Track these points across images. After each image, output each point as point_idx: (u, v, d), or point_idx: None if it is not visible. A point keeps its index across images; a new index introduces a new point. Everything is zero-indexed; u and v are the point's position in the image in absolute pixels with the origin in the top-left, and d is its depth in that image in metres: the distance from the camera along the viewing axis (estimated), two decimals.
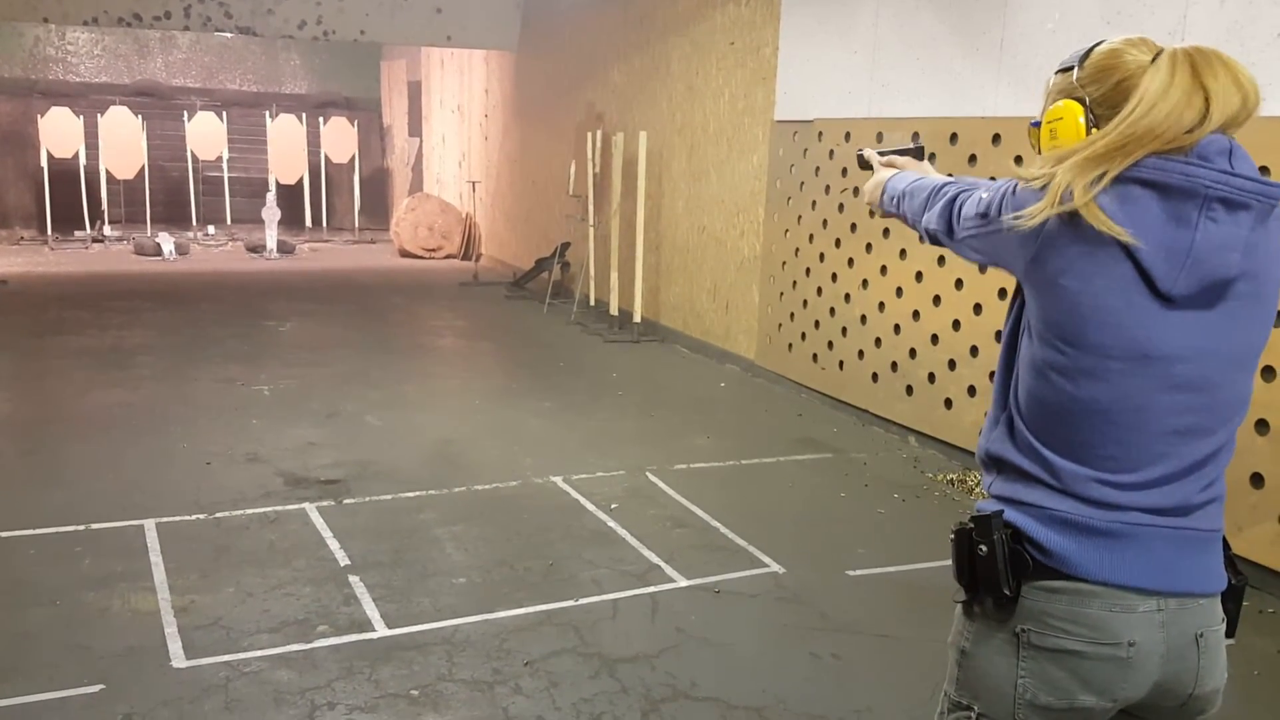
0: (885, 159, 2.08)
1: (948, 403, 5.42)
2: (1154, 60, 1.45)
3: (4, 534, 3.95)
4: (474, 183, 12.70)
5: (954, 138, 5.35)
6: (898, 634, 3.53)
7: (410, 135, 15.70)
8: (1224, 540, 1.55)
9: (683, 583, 3.84)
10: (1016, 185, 1.49)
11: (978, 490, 4.91)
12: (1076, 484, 1.47)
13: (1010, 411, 1.55)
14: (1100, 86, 1.49)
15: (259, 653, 3.20)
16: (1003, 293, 5.04)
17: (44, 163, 13.21)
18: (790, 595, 3.77)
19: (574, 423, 5.95)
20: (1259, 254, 1.42)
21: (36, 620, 3.34)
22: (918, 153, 2.14)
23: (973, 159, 5.23)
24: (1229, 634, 1.56)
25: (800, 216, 6.60)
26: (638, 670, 3.21)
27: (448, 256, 13.33)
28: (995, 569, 1.47)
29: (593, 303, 9.13)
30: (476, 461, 5.15)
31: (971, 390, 5.25)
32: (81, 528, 4.11)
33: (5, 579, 3.58)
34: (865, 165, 2.17)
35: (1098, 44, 1.53)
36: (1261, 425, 3.91)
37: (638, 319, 8.36)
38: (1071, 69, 1.54)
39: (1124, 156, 1.39)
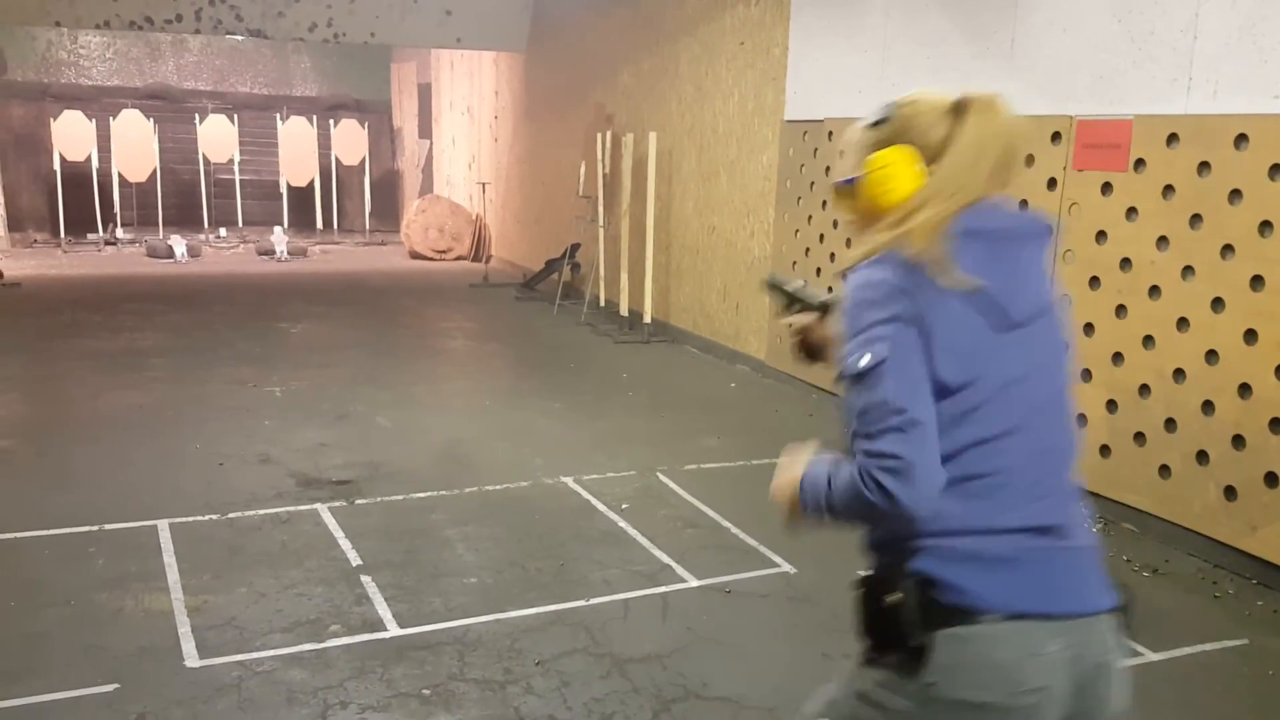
0: (794, 306, 1.89)
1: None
2: (960, 110, 1.54)
3: (18, 535, 3.97)
4: (484, 184, 12.72)
5: None
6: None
7: (420, 137, 15.74)
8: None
9: (694, 583, 3.84)
10: (866, 296, 1.48)
11: None
12: (972, 515, 1.46)
13: None
14: (917, 136, 1.55)
15: (272, 652, 3.21)
16: None
17: (57, 166, 13.29)
18: (801, 595, 3.77)
19: (584, 423, 5.95)
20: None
21: (51, 620, 3.36)
22: (822, 309, 1.86)
23: None
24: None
25: (811, 216, 6.59)
26: (649, 670, 3.21)
27: (458, 258, 13.36)
28: (904, 619, 1.44)
29: (602, 303, 9.14)
30: (487, 462, 5.16)
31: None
32: (95, 528, 4.13)
33: (19, 579, 3.60)
34: (777, 291, 1.88)
35: (903, 98, 1.60)
36: (1275, 425, 3.89)
37: (648, 319, 8.36)
38: (883, 121, 1.60)
39: (955, 207, 1.48)
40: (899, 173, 1.54)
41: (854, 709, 1.57)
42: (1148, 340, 4.39)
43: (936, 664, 1.43)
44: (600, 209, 8.98)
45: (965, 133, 1.52)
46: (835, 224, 6.35)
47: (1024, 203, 4.94)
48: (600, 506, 4.58)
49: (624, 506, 4.58)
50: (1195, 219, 4.17)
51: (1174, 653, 3.41)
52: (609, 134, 8.92)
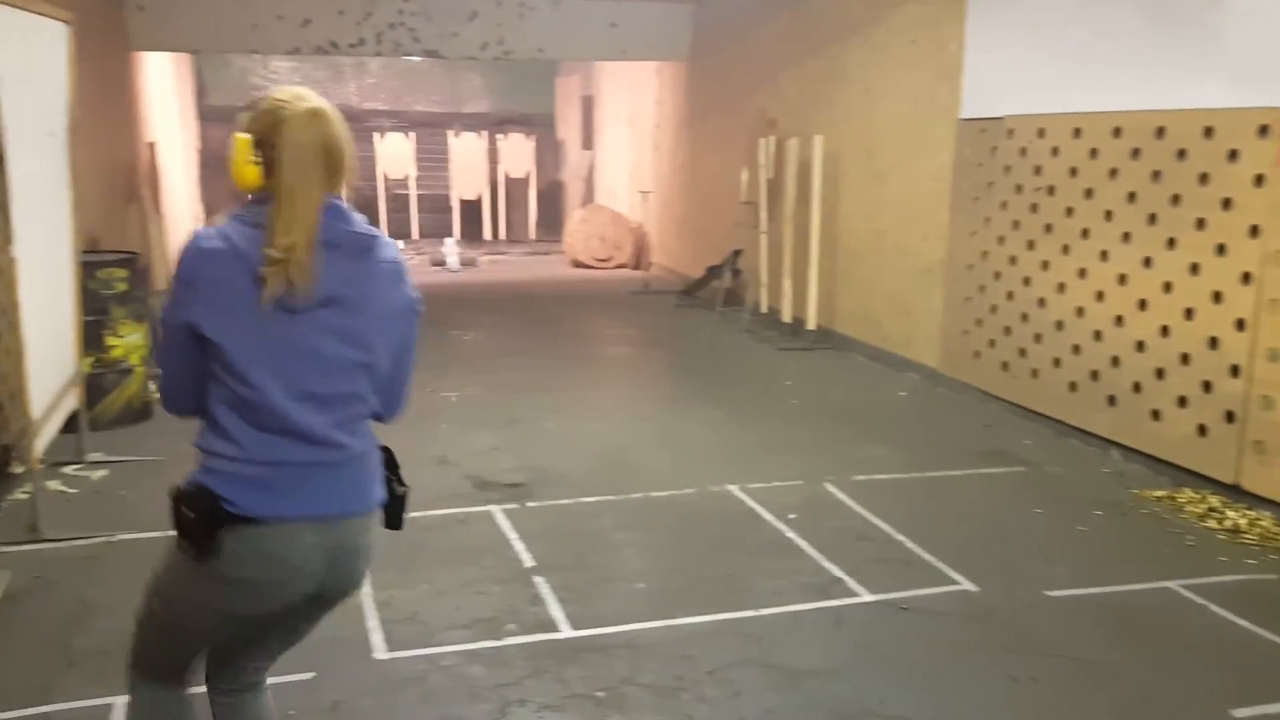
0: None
1: (1155, 414, 5.08)
2: (299, 113, 1.88)
3: None
4: (645, 193, 12.86)
5: (1160, 132, 5.02)
6: (1101, 659, 3.32)
7: (583, 149, 16.06)
8: (391, 458, 2.12)
9: (867, 597, 3.74)
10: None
11: (1189, 508, 4.59)
12: (235, 446, 1.89)
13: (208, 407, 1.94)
14: (261, 131, 1.89)
15: (453, 647, 3.32)
16: (1218, 296, 4.68)
17: None
18: (983, 615, 3.61)
19: (747, 431, 5.91)
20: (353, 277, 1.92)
21: None
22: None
23: (1182, 154, 4.89)
24: (395, 527, 2.12)
25: (988, 218, 6.34)
26: (822, 684, 3.14)
27: (619, 266, 13.55)
28: (199, 527, 1.86)
29: (764, 310, 9.07)
30: (651, 468, 5.19)
31: (1182, 401, 4.90)
32: None
33: None
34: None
35: (274, 91, 1.94)
36: None
37: (811, 326, 8.24)
38: (249, 107, 1.92)
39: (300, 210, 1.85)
40: (240, 159, 1.90)
41: (159, 583, 2.03)
42: None
43: (223, 554, 1.87)
44: (762, 215, 8.92)
45: (290, 138, 1.87)
46: (1016, 225, 6.09)
47: (1227, 202, 4.61)
48: (767, 516, 4.53)
49: (791, 516, 4.52)
50: None
51: None
52: (772, 139, 8.85)
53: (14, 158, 4.99)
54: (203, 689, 2.19)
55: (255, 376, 1.86)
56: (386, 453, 2.13)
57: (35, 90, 5.19)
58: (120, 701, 2.96)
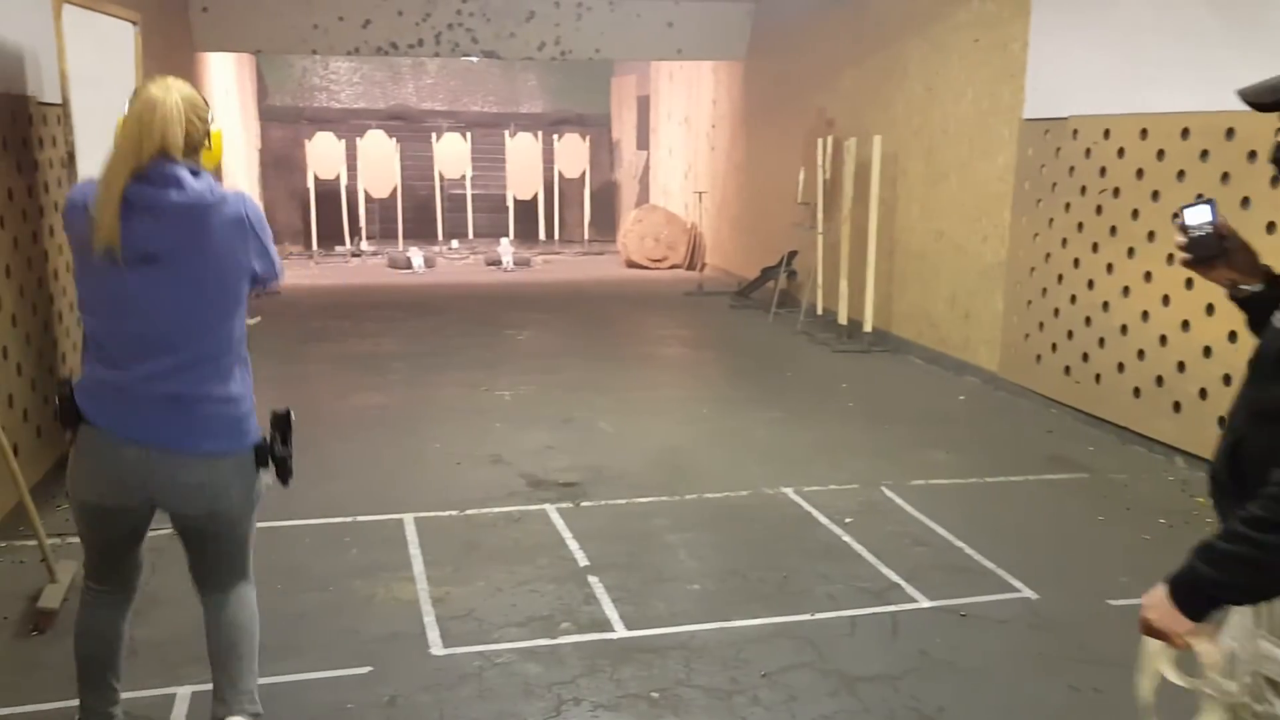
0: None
1: (1221, 421, 4.94)
2: (135, 97, 2.31)
3: (284, 523, 4.31)
4: (700, 193, 12.83)
5: (1230, 133, 4.89)
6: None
7: (638, 148, 16.07)
8: (284, 420, 2.49)
9: (925, 603, 3.69)
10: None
11: None
12: (97, 369, 2.33)
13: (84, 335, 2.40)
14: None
15: (509, 645, 3.33)
16: None
17: (310, 184, 14.46)
18: (1045, 623, 3.54)
19: (802, 433, 5.86)
20: (179, 241, 2.25)
21: (311, 604, 3.63)
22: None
23: (1252, 155, 4.76)
24: (283, 481, 2.52)
25: (1052, 220, 6.22)
26: (879, 690, 3.10)
27: (672, 266, 13.53)
28: (63, 417, 2.36)
29: (820, 312, 9.00)
30: (705, 469, 5.17)
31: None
32: (349, 520, 4.43)
33: (285, 564, 3.91)
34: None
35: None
36: None
37: (868, 328, 8.16)
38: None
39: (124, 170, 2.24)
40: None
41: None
42: None
43: (77, 440, 2.37)
44: (819, 215, 8.85)
45: (121, 118, 2.28)
46: (1080, 227, 5.97)
47: None
48: (822, 519, 4.49)
49: (847, 520, 4.47)
50: None
51: None
52: (830, 138, 8.77)
53: (83, 155, 5.14)
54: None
55: (96, 317, 2.32)
56: (281, 417, 2.48)
57: (105, 90, 5.32)
58: (183, 691, 3.02)
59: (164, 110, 2.26)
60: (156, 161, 2.24)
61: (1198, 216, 1.82)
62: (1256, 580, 1.56)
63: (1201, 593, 1.60)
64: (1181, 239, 1.83)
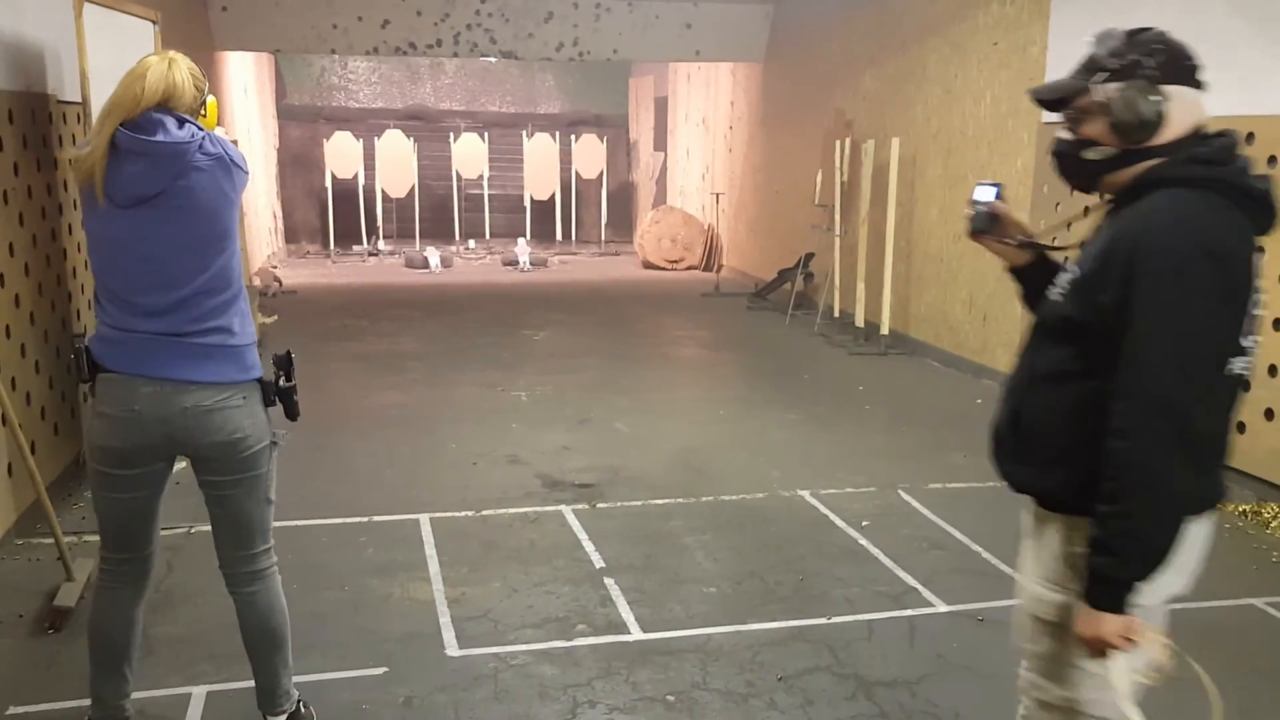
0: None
1: (1240, 427, 4.90)
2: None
3: (302, 521, 4.33)
4: (717, 194, 12.81)
5: (1250, 137, 4.84)
6: (1182, 675, 3.19)
7: (655, 150, 16.06)
8: (287, 359, 2.64)
9: (942, 608, 3.67)
10: None
11: (1275, 524, 4.41)
12: (108, 317, 2.48)
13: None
14: None
15: (524, 646, 3.33)
16: None
17: (328, 183, 14.51)
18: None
19: (819, 436, 5.84)
20: (167, 182, 2.39)
21: (328, 602, 3.64)
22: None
23: (1272, 159, 4.71)
24: (290, 417, 2.64)
25: (1070, 224, 6.18)
26: (896, 695, 3.08)
27: (689, 268, 13.52)
28: (80, 371, 2.50)
29: (836, 314, 8.97)
30: (722, 471, 5.16)
31: (1269, 413, 4.72)
32: (365, 519, 4.44)
33: (303, 563, 3.92)
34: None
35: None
36: None
37: (885, 331, 8.12)
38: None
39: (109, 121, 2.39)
40: None
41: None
42: None
43: (96, 391, 2.50)
44: (837, 217, 8.82)
45: (131, 72, 2.44)
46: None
47: None
48: (839, 522, 4.48)
49: (864, 523, 4.45)
50: None
51: None
52: (848, 140, 8.74)
53: None
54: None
55: (99, 259, 2.45)
56: (282, 358, 2.63)
57: None
58: (199, 691, 3.03)
59: (163, 71, 2.43)
60: (147, 113, 2.40)
61: (983, 195, 2.09)
62: (1140, 544, 1.71)
63: (1109, 584, 1.73)
64: (968, 211, 2.09)
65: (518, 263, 13.66)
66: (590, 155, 15.48)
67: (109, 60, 5.20)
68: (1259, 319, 1.79)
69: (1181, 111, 1.85)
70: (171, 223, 2.40)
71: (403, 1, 10.69)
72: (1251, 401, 4.83)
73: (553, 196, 15.36)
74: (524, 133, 15.55)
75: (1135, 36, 1.89)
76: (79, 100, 5.03)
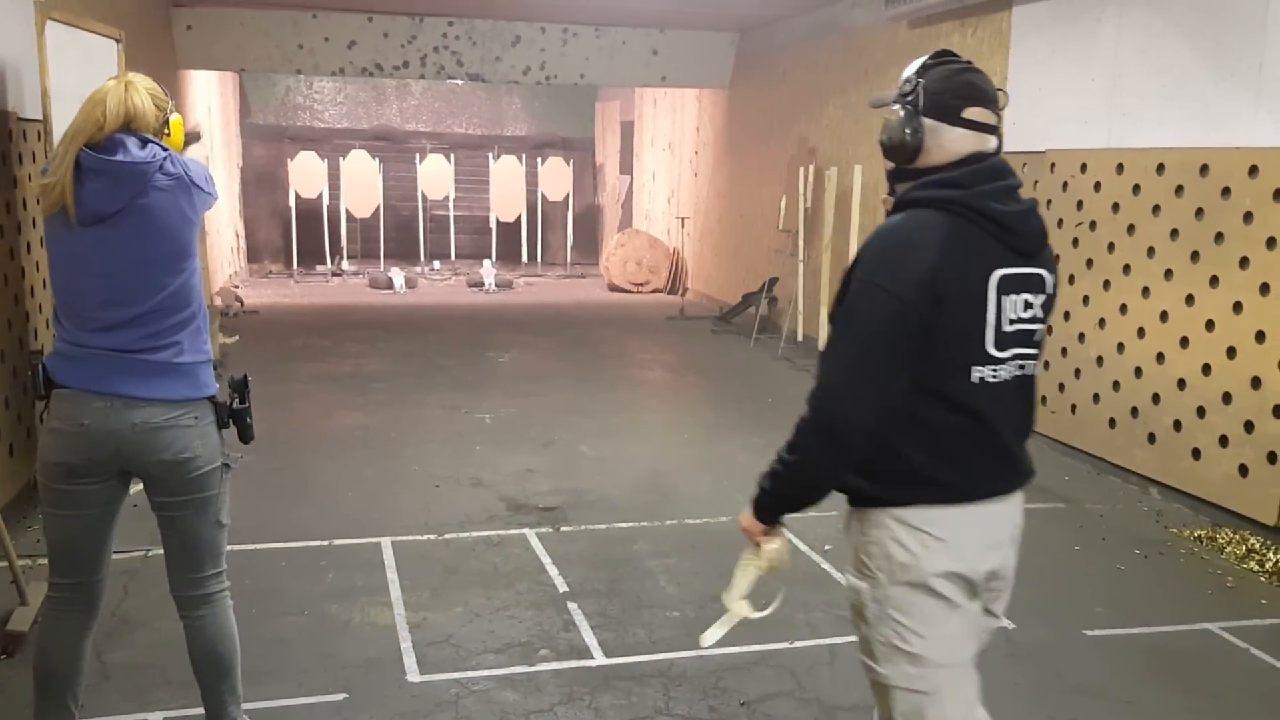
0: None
1: (1195, 453, 5.00)
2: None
3: (259, 546, 4.28)
4: (683, 219, 12.89)
5: (1204, 169, 4.97)
6: (1140, 700, 3.26)
7: (621, 173, 16.14)
8: (243, 383, 2.62)
9: None
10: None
11: (1229, 549, 4.50)
12: (65, 334, 2.48)
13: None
14: None
15: (486, 672, 3.31)
16: (1261, 335, 4.61)
17: (292, 202, 14.41)
18: (1022, 653, 3.55)
19: None
20: (126, 200, 2.40)
21: (287, 628, 3.59)
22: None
23: (1226, 191, 4.84)
24: (244, 440, 2.62)
25: None
26: None
27: (655, 291, 13.57)
28: (36, 387, 2.49)
29: (800, 338, 9.04)
30: (687, 494, 5.17)
31: (1223, 440, 4.82)
32: (326, 542, 4.40)
33: (261, 588, 3.87)
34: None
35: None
36: None
37: None
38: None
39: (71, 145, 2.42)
40: None
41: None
42: None
43: (50, 406, 2.48)
44: (800, 243, 8.91)
45: (92, 96, 2.47)
46: (1056, 259, 6.03)
47: (1271, 241, 4.55)
48: (802, 547, 4.50)
49: (827, 548, 4.48)
50: None
51: None
52: (812, 167, 8.85)
53: None
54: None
55: (59, 276, 2.47)
56: (239, 381, 2.63)
57: None
58: (155, 717, 2.98)
59: (121, 95, 2.45)
60: (111, 135, 2.42)
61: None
62: (792, 487, 2.00)
63: (763, 504, 2.06)
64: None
65: (483, 284, 13.63)
66: (556, 178, 15.52)
67: (71, 78, 5.16)
68: (1023, 333, 1.96)
69: (943, 143, 1.95)
70: (130, 241, 2.41)
71: (370, 23, 10.69)
72: (1206, 428, 4.94)
73: (519, 218, 15.37)
74: (490, 155, 15.57)
75: (927, 68, 2.01)
76: (39, 118, 4.98)
